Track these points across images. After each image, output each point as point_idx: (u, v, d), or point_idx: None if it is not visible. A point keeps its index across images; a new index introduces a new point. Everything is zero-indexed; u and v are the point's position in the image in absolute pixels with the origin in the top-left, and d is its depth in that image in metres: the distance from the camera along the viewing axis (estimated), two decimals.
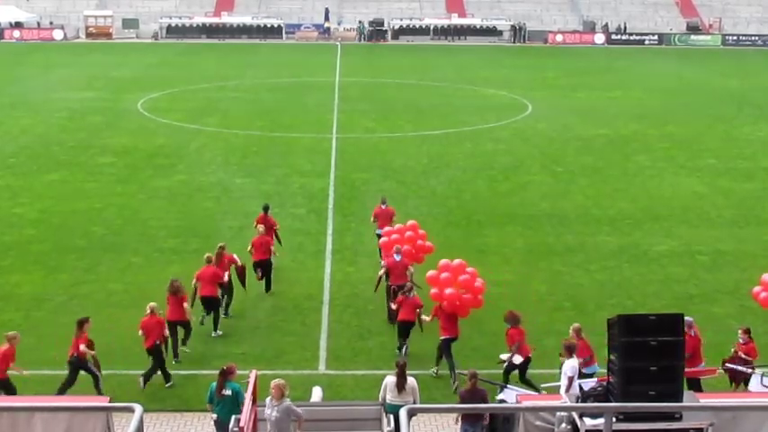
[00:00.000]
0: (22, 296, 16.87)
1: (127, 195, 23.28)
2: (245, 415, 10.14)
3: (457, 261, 14.91)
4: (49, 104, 35.90)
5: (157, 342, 13.59)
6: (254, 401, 10.57)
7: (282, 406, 10.62)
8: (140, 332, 13.68)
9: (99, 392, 13.07)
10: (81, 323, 13.26)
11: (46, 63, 48.74)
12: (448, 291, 14.22)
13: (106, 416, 9.54)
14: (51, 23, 63.60)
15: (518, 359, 13.46)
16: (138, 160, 26.88)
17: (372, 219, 18.89)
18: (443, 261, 15.04)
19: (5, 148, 28.29)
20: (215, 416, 11.62)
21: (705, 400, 10.36)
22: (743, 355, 13.03)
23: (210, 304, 15.21)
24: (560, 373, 12.46)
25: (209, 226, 20.28)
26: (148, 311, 13.70)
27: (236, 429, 10.44)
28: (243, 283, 16.58)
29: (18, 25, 62.62)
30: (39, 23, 63.50)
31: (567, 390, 12.08)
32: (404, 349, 14.72)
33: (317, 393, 12.47)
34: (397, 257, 16.00)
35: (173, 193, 23.52)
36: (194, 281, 15.22)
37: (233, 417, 10.85)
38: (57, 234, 20.28)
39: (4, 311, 16.13)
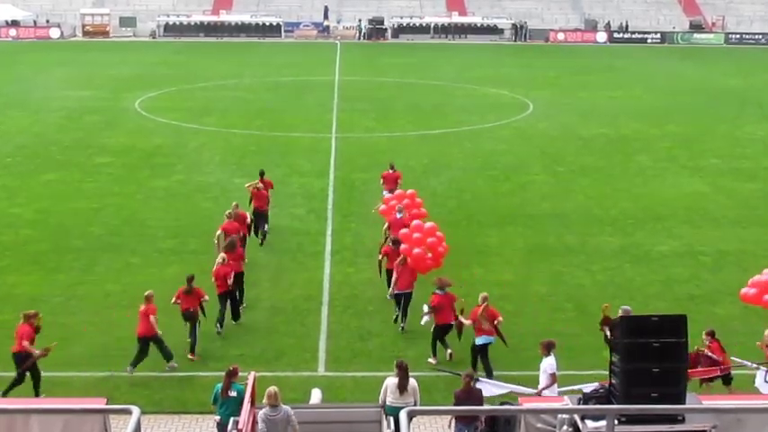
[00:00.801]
0: (19, 297, 16.72)
1: (125, 195, 23.16)
2: (244, 417, 10.04)
3: (429, 224, 16.79)
4: (45, 104, 35.74)
5: (229, 289, 15.26)
6: (252, 404, 10.47)
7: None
8: (213, 279, 15.21)
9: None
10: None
11: (42, 62, 48.55)
12: (416, 250, 15.93)
13: (103, 418, 9.51)
14: (48, 22, 63.34)
15: (424, 319, 14.60)
16: (136, 160, 26.77)
17: (381, 182, 21.25)
18: (416, 222, 16.84)
19: (2, 148, 28.15)
20: (218, 417, 11.53)
21: (708, 402, 10.28)
22: (708, 353, 13.10)
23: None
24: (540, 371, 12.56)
25: (207, 226, 20.08)
26: (221, 261, 15.35)
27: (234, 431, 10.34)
28: (256, 233, 19.26)
29: (14, 24, 62.35)
30: (35, 22, 63.26)
31: (549, 387, 12.20)
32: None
33: (316, 395, 12.37)
34: (399, 215, 17.65)
35: (171, 194, 23.42)
36: (219, 232, 17.51)
37: (231, 419, 10.77)
38: (54, 234, 20.17)
39: (1, 312, 15.99)
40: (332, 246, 19.65)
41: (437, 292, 14.52)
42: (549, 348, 12.53)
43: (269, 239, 19.53)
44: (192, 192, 23.56)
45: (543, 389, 12.29)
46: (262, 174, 20.43)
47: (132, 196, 23.12)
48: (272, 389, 10.60)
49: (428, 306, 14.51)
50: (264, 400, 10.53)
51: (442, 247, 16.41)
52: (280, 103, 36.70)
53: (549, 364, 12.38)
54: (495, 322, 13.93)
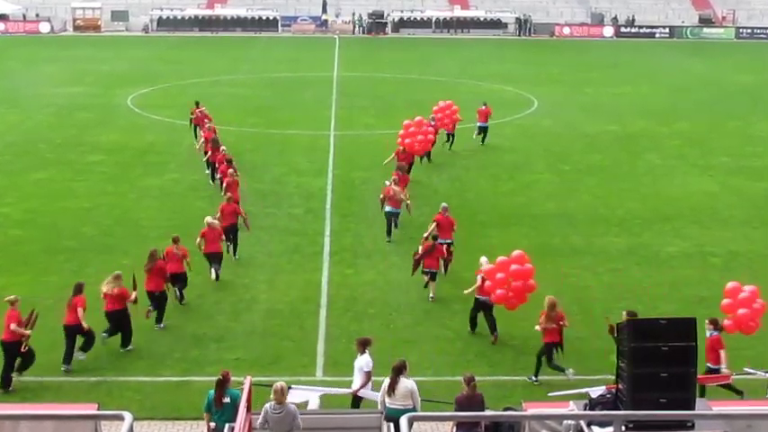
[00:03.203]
0: None
1: (117, 195, 22.85)
2: (240, 423, 9.73)
3: (417, 118, 24.02)
4: (35, 100, 35.54)
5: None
6: (248, 409, 10.15)
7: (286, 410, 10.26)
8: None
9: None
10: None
11: (32, 57, 48.45)
12: (408, 140, 23.37)
13: (95, 424, 9.69)
14: (37, 16, 63.01)
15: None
16: (129, 158, 26.50)
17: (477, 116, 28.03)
18: (407, 122, 23.65)
19: None
20: (213, 424, 11.18)
21: (718, 408, 10.15)
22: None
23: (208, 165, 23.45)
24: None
25: (202, 226, 19.69)
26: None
27: None
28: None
29: (3, 18, 62.02)
30: (24, 16, 62.93)
31: (364, 386, 11.92)
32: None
33: (314, 401, 12.11)
34: (432, 123, 25.02)
35: (164, 193, 23.11)
36: (202, 145, 24.56)
37: (227, 425, 10.45)
38: (45, 235, 19.83)
39: None
40: (330, 247, 19.33)
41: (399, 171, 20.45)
42: (364, 345, 12.33)
43: (267, 240, 19.46)
44: (186, 191, 23.22)
45: (359, 388, 12.05)
46: (197, 104, 27.21)
47: (125, 195, 22.81)
48: (279, 385, 10.31)
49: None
50: (271, 395, 10.28)
51: (417, 146, 23.70)
52: (276, 100, 36.53)
53: (365, 361, 12.15)
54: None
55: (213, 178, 23.01)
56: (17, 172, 24.91)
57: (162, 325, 15.21)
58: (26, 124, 31.36)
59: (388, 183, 19.69)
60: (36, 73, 42.59)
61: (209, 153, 23.24)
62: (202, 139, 24.94)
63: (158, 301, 15.25)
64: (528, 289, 14.50)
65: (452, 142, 27.12)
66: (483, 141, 28.14)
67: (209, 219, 17.27)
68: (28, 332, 13.20)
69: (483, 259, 15.27)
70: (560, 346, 13.74)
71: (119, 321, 14.31)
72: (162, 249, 16.54)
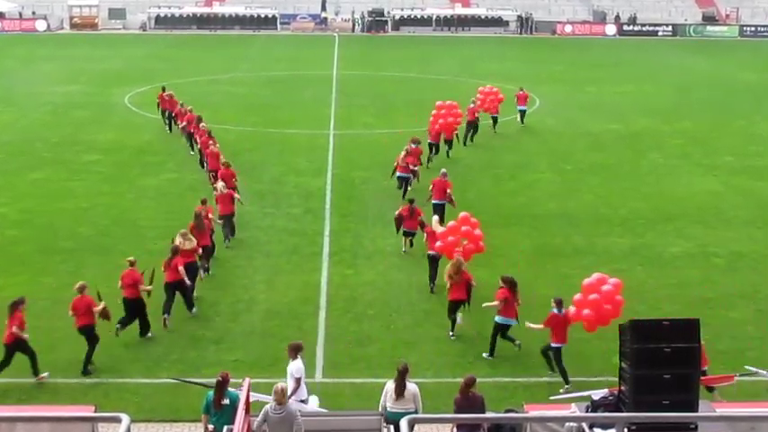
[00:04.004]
0: (4, 300, 16.01)
1: (114, 194, 22.72)
2: (238, 425, 9.60)
3: (448, 102, 25.79)
4: (31, 99, 35.38)
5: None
6: (246, 411, 10.01)
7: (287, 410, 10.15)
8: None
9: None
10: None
11: (28, 55, 48.29)
12: (440, 121, 25.46)
13: (92, 426, 9.59)
14: (34, 14, 62.77)
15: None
16: (126, 157, 26.35)
17: (515, 100, 31.07)
18: (439, 103, 25.68)
19: None
20: (211, 426, 11.06)
21: (721, 409, 10.13)
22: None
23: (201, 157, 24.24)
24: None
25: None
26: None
27: None
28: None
29: None
30: (20, 14, 62.67)
31: (294, 392, 11.72)
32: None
33: (312, 403, 12.04)
34: (472, 105, 28.39)
35: (162, 192, 22.95)
36: (185, 127, 26.11)
37: (225, 427, 10.36)
38: (41, 235, 19.69)
39: None
40: (330, 247, 19.19)
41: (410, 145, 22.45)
42: (296, 351, 12.18)
43: (266, 240, 19.38)
44: (183, 191, 23.00)
45: (291, 395, 11.79)
46: (163, 89, 29.28)
47: (122, 195, 22.67)
48: (279, 385, 10.24)
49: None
50: (272, 396, 10.21)
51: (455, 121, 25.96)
52: (275, 99, 36.35)
53: (296, 367, 11.98)
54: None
55: (202, 164, 24.00)
56: (13, 171, 24.75)
57: (210, 273, 17.22)
58: (22, 123, 31.17)
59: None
60: (32, 71, 42.42)
61: (193, 131, 24.93)
62: (184, 122, 26.13)
63: (209, 254, 17.19)
64: (478, 250, 16.26)
65: (497, 124, 29.62)
66: (522, 122, 30.99)
67: (219, 185, 19.14)
68: (150, 287, 14.71)
69: (435, 218, 17.53)
70: (467, 302, 14.95)
71: (191, 273, 15.71)
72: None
